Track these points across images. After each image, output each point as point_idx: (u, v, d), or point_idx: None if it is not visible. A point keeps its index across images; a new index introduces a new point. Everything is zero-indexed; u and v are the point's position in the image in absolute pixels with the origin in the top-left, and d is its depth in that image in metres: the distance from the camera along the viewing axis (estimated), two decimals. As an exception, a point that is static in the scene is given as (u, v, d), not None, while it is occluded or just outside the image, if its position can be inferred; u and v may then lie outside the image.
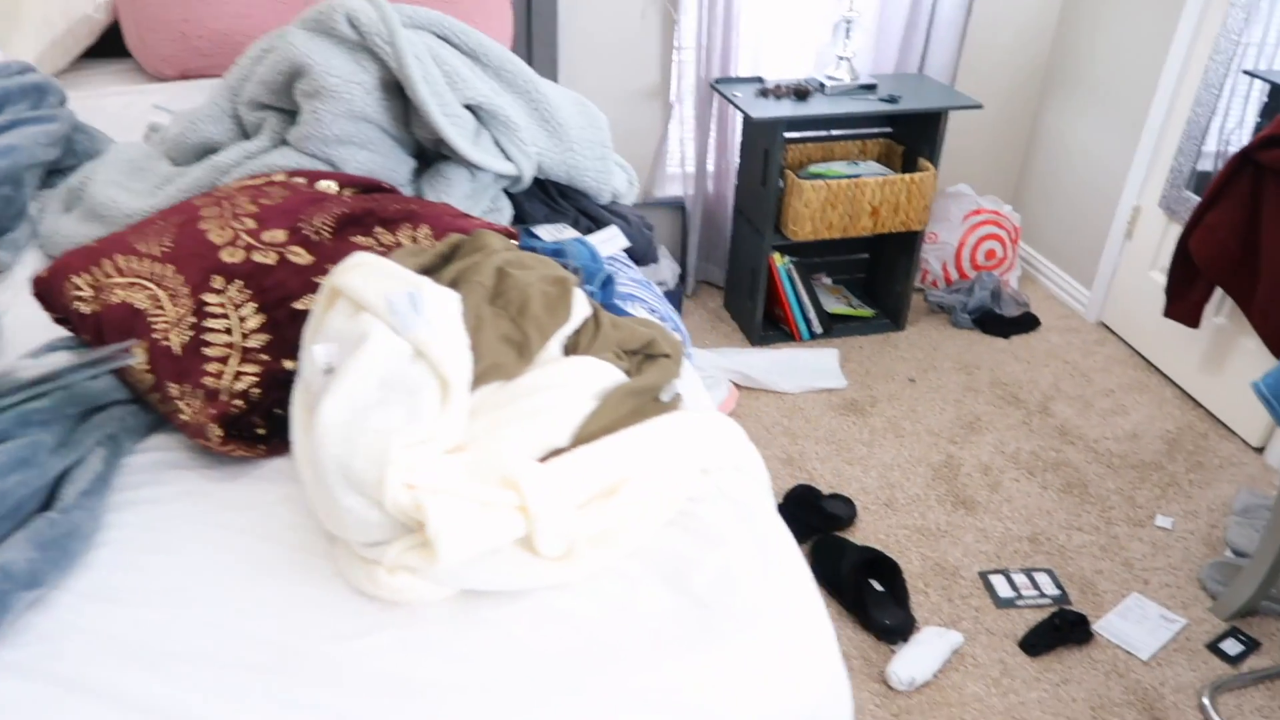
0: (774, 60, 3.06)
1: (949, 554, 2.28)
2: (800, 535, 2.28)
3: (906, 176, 2.81)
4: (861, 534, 2.33)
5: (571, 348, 1.18)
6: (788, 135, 3.02)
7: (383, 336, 1.01)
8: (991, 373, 2.97)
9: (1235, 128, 2.77)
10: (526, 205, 1.61)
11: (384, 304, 1.03)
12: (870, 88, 2.86)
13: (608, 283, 1.43)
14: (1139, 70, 2.95)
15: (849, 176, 2.86)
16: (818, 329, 3.08)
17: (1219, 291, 2.69)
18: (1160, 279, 2.94)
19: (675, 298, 3.12)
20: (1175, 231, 2.87)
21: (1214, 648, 2.03)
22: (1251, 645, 2.04)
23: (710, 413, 1.24)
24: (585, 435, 1.07)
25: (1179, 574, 2.24)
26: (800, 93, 2.77)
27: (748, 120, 2.73)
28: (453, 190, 1.47)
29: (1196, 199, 2.76)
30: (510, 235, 1.38)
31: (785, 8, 2.99)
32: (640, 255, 1.65)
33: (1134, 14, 2.94)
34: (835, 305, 3.16)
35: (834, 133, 3.09)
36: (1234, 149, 2.46)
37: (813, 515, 2.28)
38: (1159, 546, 2.32)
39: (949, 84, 3.13)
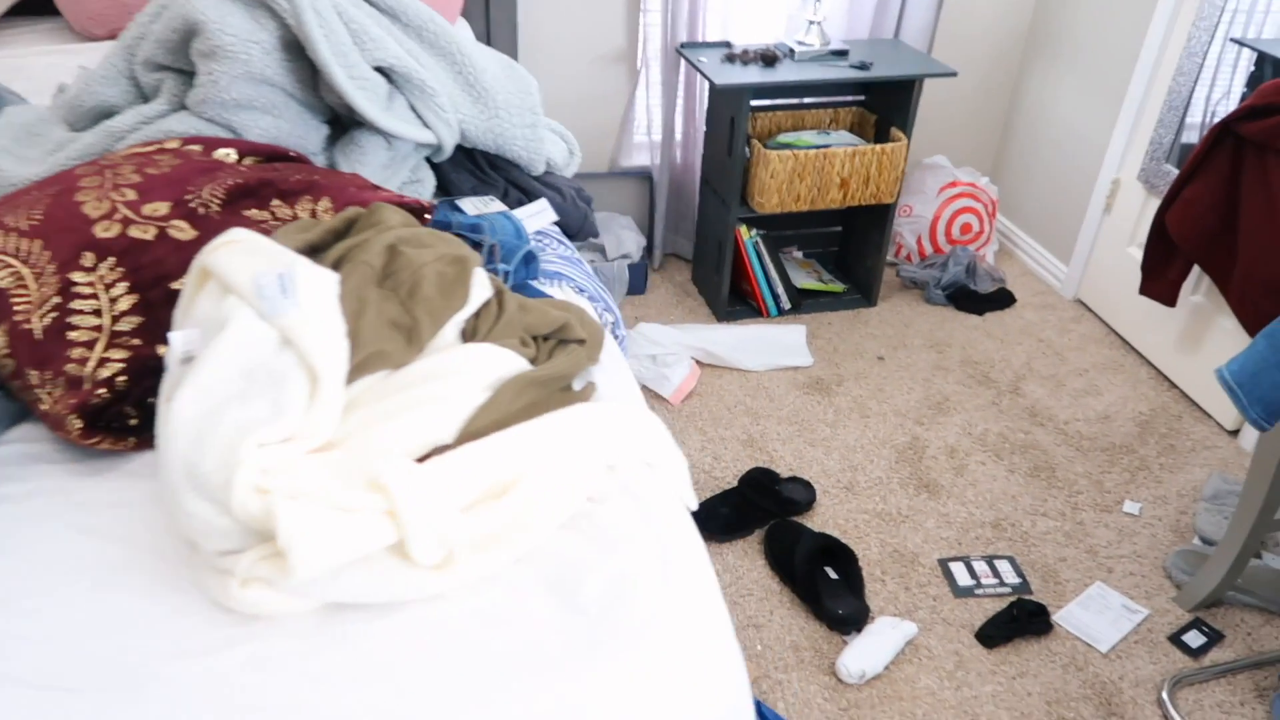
0: (744, 24, 2.95)
1: (909, 540, 2.21)
2: (755, 520, 2.20)
3: (877, 147, 2.71)
4: (820, 519, 2.25)
5: (470, 333, 1.09)
6: (755, 103, 2.91)
7: (246, 322, 0.92)
8: (963, 351, 2.88)
9: (1222, 98, 2.66)
10: (453, 176, 1.51)
11: (251, 285, 0.94)
12: (841, 54, 2.75)
13: (531, 259, 1.34)
14: (1121, 37, 2.84)
15: (818, 147, 2.75)
16: (786, 305, 2.98)
17: (1197, 269, 2.60)
18: (1138, 255, 2.85)
19: (640, 270, 3.02)
20: (1155, 206, 2.78)
21: (1176, 640, 1.97)
22: (1215, 637, 1.98)
23: (625, 403, 1.15)
24: (475, 430, 0.99)
25: (1144, 562, 2.18)
26: (768, 58, 2.66)
27: (713, 87, 2.61)
28: (367, 160, 1.38)
29: (1177, 172, 2.67)
30: (421, 210, 1.28)
31: (754, -31, 2.87)
32: (575, 230, 1.55)
33: (1117, -22, 2.82)
34: (805, 280, 3.07)
35: (805, 101, 2.98)
36: (1220, 120, 2.36)
37: (768, 499, 2.20)
38: (1125, 533, 2.25)
39: (925, 51, 3.02)
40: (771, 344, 2.82)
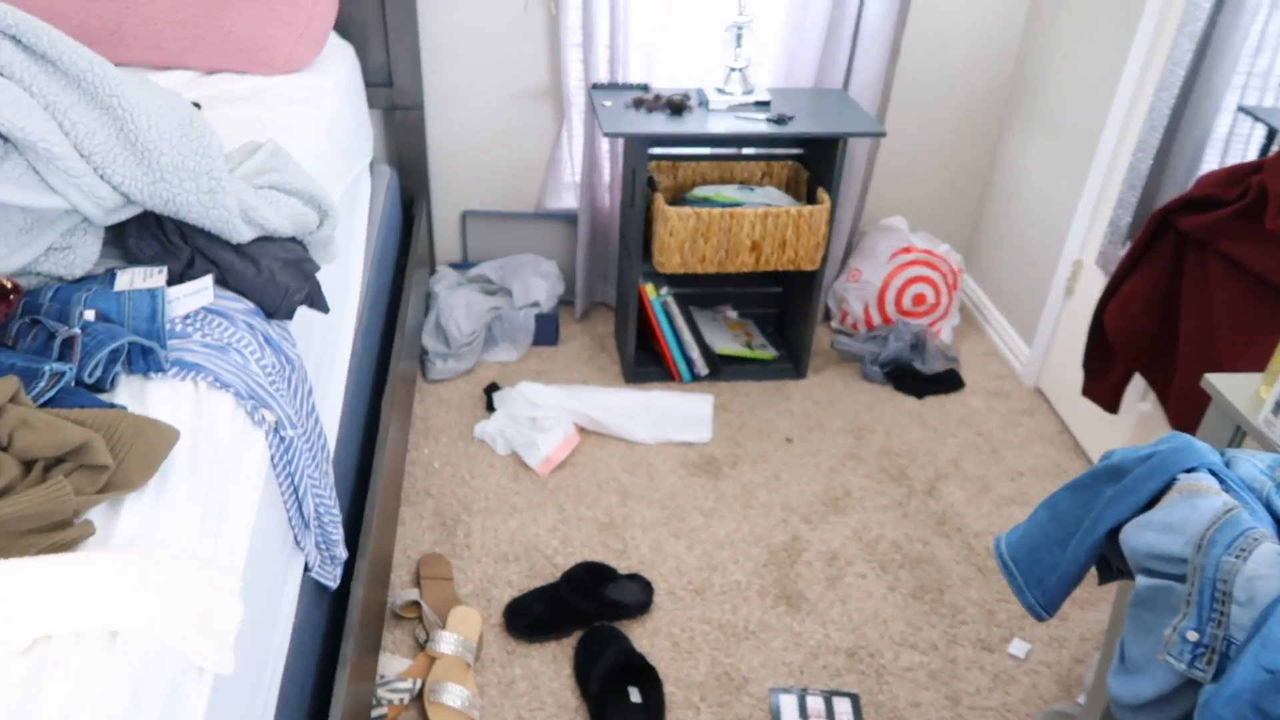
0: (672, 65, 2.72)
1: (745, 662, 1.95)
2: (573, 621, 1.98)
3: (793, 209, 2.45)
4: (651, 626, 2.01)
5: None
6: (671, 151, 2.68)
7: None
8: (886, 438, 2.59)
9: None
10: (135, 242, 1.35)
11: None
12: (764, 104, 2.50)
13: (148, 352, 1.17)
14: (1090, 100, 2.51)
15: (730, 205, 2.51)
16: (702, 370, 2.74)
17: (1142, 373, 2.26)
18: (1094, 348, 2.51)
19: (550, 321, 2.83)
20: (1111, 295, 2.44)
21: (1015, 826, 1.67)
22: (1063, 829, 1.67)
23: (124, 550, 0.96)
24: None
25: (1013, 718, 1.87)
26: (675, 105, 2.43)
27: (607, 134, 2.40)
28: None
29: (1132, 260, 2.33)
30: (9, 290, 1.12)
31: (682, 8, 2.64)
32: (271, 308, 1.37)
33: (1093, 29, 2.49)
34: (726, 345, 2.82)
35: (739, 151, 2.73)
36: (1158, 208, 2.03)
37: (588, 600, 1.98)
38: (1001, 679, 1.94)
39: (878, 103, 2.74)
40: (671, 414, 2.59)
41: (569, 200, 2.94)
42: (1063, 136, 2.64)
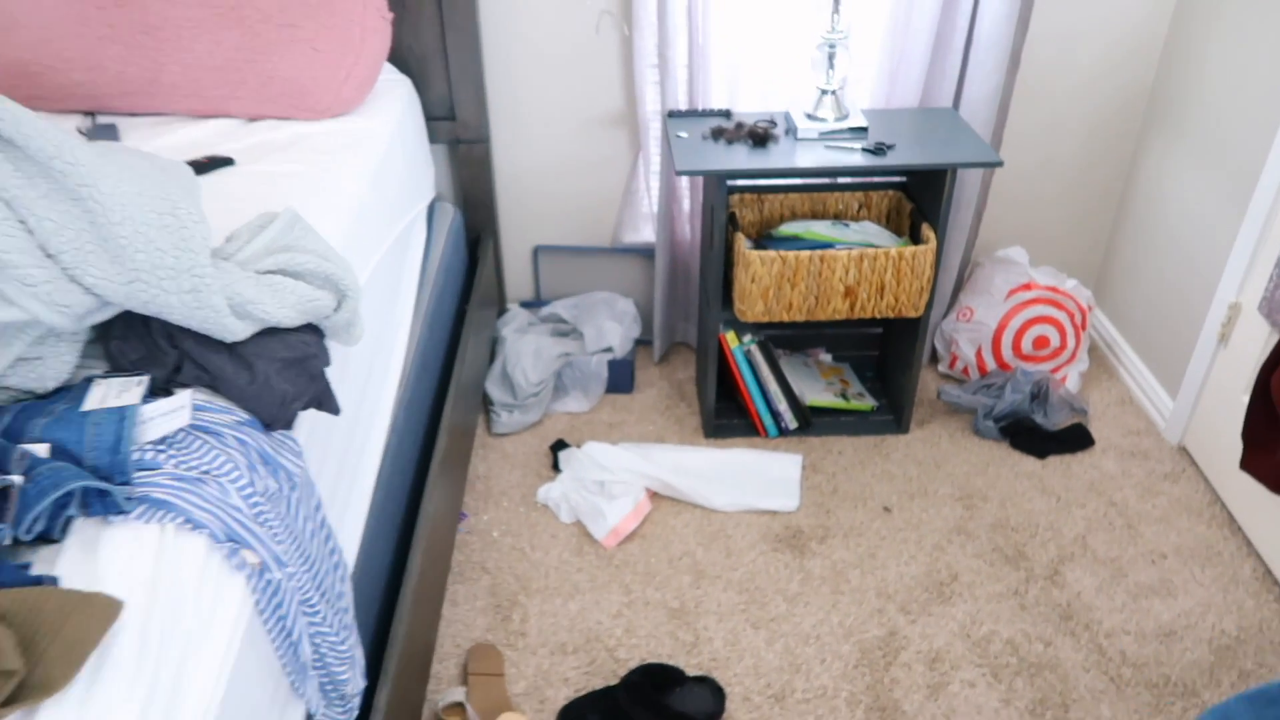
0: (758, 88, 2.45)
1: (831, 790, 1.69)
2: (634, 734, 1.76)
3: (893, 251, 2.16)
4: (723, 739, 1.78)
5: None
6: (754, 184, 2.42)
7: None
8: (1000, 509, 2.27)
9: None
10: (117, 345, 1.19)
11: None
12: (860, 131, 2.22)
13: (104, 494, 0.99)
14: (1254, 110, 2.13)
15: (822, 245, 2.23)
16: (790, 424, 2.48)
17: (1319, 451, 1.89)
18: (1254, 410, 2.13)
19: (625, 368, 2.60)
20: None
21: None
22: None
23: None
24: None
25: None
26: (758, 136, 2.17)
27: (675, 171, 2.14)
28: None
29: (1307, 312, 1.95)
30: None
31: (769, 25, 2.37)
32: (267, 421, 1.19)
33: (1259, 26, 2.11)
34: (819, 396, 2.54)
35: (834, 181, 2.45)
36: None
37: (649, 711, 1.75)
38: (1141, 830, 1.63)
39: (993, 122, 2.41)
40: (754, 477, 2.33)
41: (647, 234, 2.71)
42: (1217, 155, 2.26)
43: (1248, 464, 1.96)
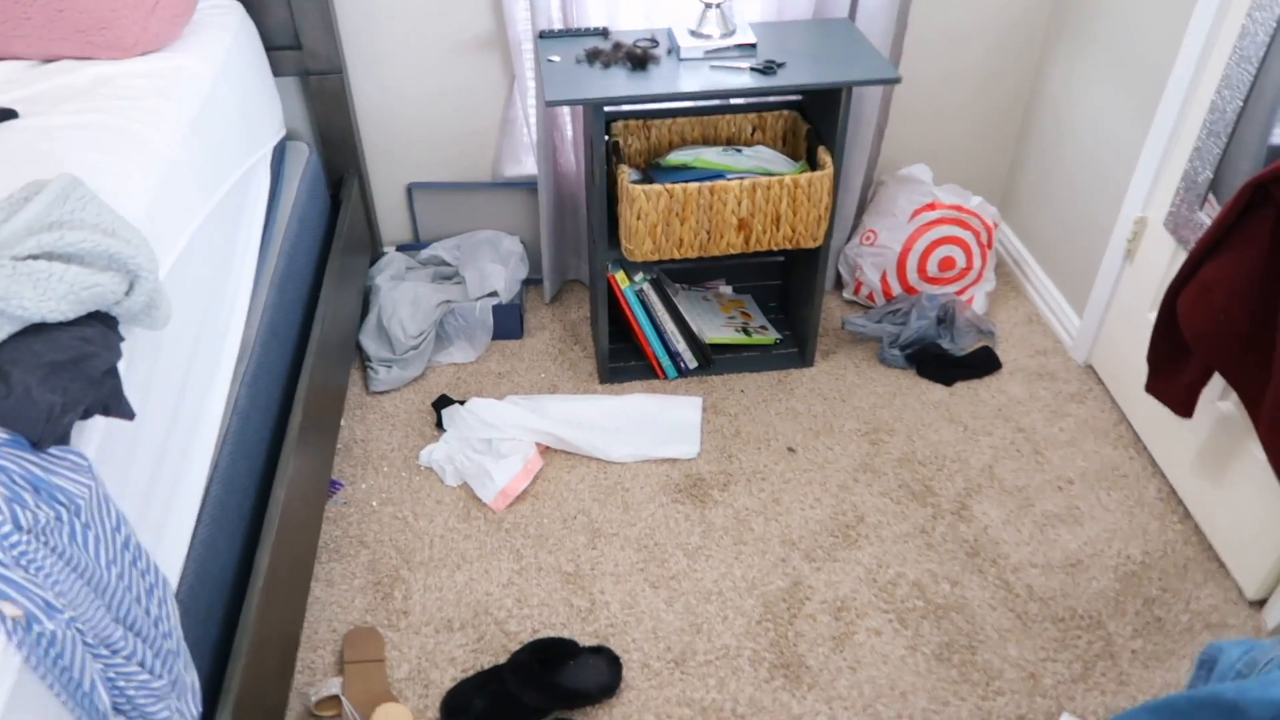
0: (641, 2, 2.24)
1: (733, 758, 1.62)
2: (524, 717, 1.65)
3: (788, 179, 2.01)
4: (621, 711, 1.68)
5: None
6: (639, 109, 2.23)
7: None
8: (908, 442, 2.19)
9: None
10: None
11: None
12: (748, 48, 2.04)
13: None
14: (1160, 17, 2.01)
15: (713, 174, 2.07)
16: (690, 364, 2.35)
17: (1223, 373, 1.83)
18: (1159, 329, 2.07)
19: (512, 313, 2.43)
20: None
21: None
22: None
23: None
24: None
25: (1061, 831, 1.52)
26: (636, 58, 1.97)
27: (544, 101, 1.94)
28: None
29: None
30: None
31: (646, -73, 2.15)
32: (33, 438, 1.00)
33: (1159, -66, 1.97)
34: (719, 332, 2.41)
35: (725, 103, 2.27)
36: (1252, 178, 1.57)
37: (543, 693, 1.64)
38: (1047, 775, 1.59)
39: (895, 30, 2.25)
40: (652, 423, 2.21)
41: (530, 166, 2.51)
42: (1123, 64, 2.14)
43: (1152, 387, 1.90)
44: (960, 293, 2.50)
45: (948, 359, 2.37)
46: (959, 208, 2.42)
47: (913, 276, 2.47)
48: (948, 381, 2.34)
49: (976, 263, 2.48)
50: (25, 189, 1.17)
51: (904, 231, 2.43)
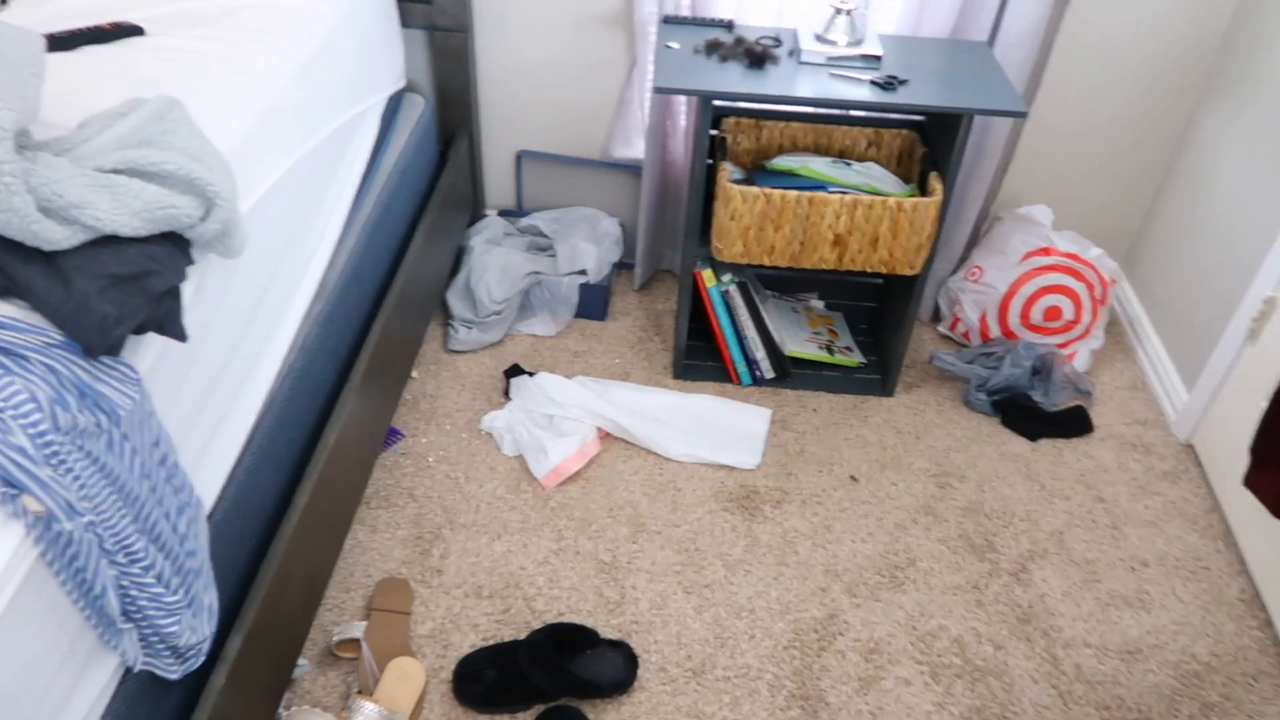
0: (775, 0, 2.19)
1: (732, 781, 1.58)
2: (532, 696, 1.64)
3: (892, 201, 1.93)
4: (630, 711, 1.66)
5: None
6: (753, 107, 2.18)
7: None
8: (977, 491, 2.09)
9: None
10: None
11: None
12: (873, 60, 1.96)
13: None
14: (1328, 88, 1.85)
15: (816, 184, 2.01)
16: (767, 373, 2.29)
17: (1333, 478, 1.68)
18: (1272, 419, 1.91)
19: (598, 294, 2.42)
20: (1310, 357, 1.83)
21: None
22: None
23: None
24: None
25: None
26: (755, 56, 1.92)
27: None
28: None
29: (1348, 319, 1.71)
30: None
31: (789, -76, 2.09)
32: (86, 344, 1.04)
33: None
34: (800, 346, 2.34)
35: (845, 113, 2.20)
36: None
37: (552, 678, 1.63)
38: None
39: (1035, 61, 2.13)
40: (717, 426, 2.17)
41: (639, 149, 2.48)
42: (1277, 139, 1.98)
43: (1252, 481, 1.76)
44: (1063, 345, 2.37)
45: (1037, 413, 2.25)
46: (1075, 256, 2.29)
47: (1014, 321, 2.35)
48: (1032, 436, 2.22)
49: (1085, 317, 2.34)
50: (125, 105, 1.21)
51: (1012, 273, 2.32)
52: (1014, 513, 2.05)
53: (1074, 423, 2.25)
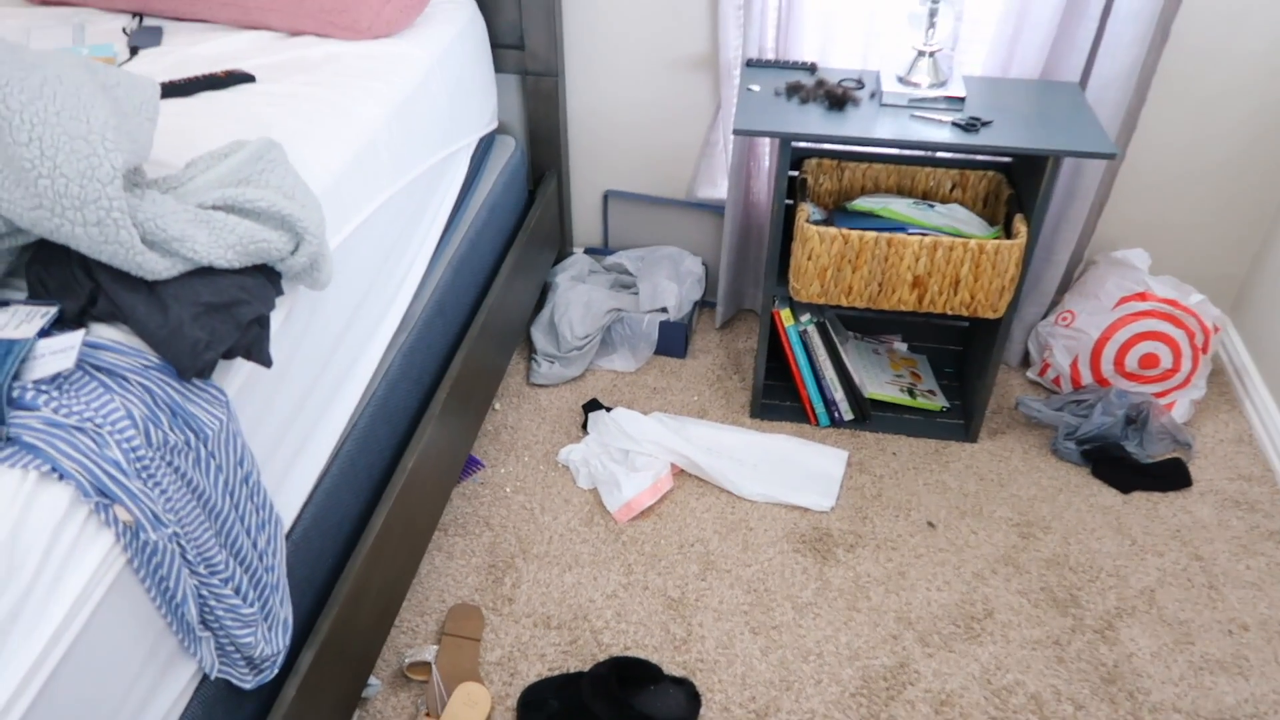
0: (853, 42, 2.19)
1: (792, 828, 1.55)
2: (594, 728, 1.66)
3: (972, 243, 1.90)
4: (689, 750, 1.65)
5: None
6: (834, 148, 2.18)
7: None
8: (1062, 543, 2.02)
9: None
10: (37, 270, 1.14)
11: None
12: (956, 101, 1.95)
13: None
14: None
15: (896, 226, 2.00)
16: (845, 415, 2.27)
17: None
18: (1387, 478, 1.80)
19: (678, 331, 2.45)
20: None
21: None
22: None
23: None
24: None
25: None
26: (835, 98, 1.94)
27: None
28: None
29: None
30: None
31: (875, -32, 2.10)
32: (180, 367, 1.11)
33: None
34: (882, 388, 2.32)
35: (929, 155, 2.19)
36: None
37: (615, 711, 1.64)
38: None
39: (1131, 103, 2.08)
40: (792, 467, 2.16)
41: (724, 190, 2.52)
42: (1396, 173, 1.88)
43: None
44: (1160, 395, 2.28)
45: (1130, 464, 2.16)
46: (1174, 303, 2.20)
47: (1107, 368, 2.28)
48: (1125, 488, 2.14)
49: (1185, 365, 2.25)
50: (228, 146, 1.30)
51: (1106, 318, 2.25)
52: (1101, 567, 1.97)
53: (1171, 475, 2.15)
